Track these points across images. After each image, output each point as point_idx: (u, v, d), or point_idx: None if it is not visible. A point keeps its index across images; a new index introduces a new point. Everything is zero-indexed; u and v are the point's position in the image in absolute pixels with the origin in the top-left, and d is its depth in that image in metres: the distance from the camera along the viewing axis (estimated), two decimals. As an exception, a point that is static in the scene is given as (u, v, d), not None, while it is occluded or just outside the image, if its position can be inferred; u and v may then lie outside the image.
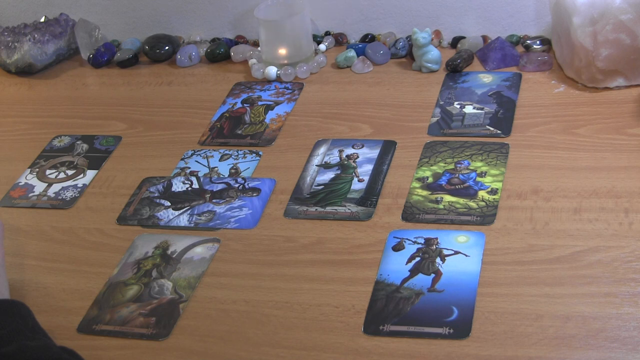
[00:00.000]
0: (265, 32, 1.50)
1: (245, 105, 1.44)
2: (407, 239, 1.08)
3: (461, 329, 0.94)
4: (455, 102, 1.35)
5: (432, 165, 1.21)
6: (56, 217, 1.23)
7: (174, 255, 1.11)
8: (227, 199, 1.21)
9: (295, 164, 1.26)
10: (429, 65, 1.44)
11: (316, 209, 1.16)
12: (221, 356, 0.96)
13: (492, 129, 1.28)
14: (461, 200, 1.14)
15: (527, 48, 1.47)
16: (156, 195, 1.24)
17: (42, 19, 1.67)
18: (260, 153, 1.30)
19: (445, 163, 1.21)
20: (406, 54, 1.51)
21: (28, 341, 0.89)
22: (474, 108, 1.33)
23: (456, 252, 1.05)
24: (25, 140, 1.43)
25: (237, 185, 1.23)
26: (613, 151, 1.19)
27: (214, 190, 1.23)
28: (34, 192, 1.28)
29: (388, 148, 1.27)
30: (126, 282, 1.08)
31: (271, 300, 1.02)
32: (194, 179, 1.26)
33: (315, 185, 1.21)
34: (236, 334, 0.98)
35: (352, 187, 1.19)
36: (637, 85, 1.33)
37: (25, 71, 1.61)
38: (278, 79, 1.49)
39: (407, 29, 1.55)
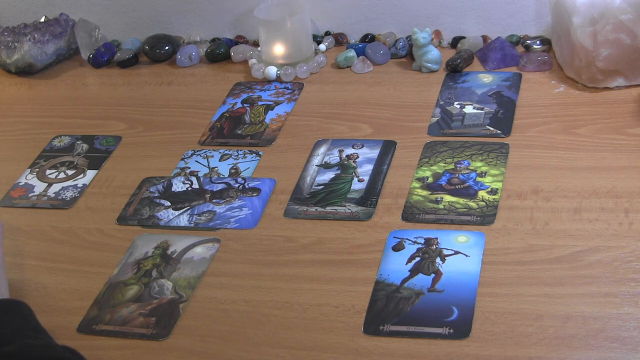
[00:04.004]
0: (265, 32, 1.50)
1: (245, 105, 1.44)
2: (407, 239, 1.08)
3: (461, 329, 0.94)
4: (455, 102, 1.35)
5: (432, 165, 1.21)
6: (56, 217, 1.23)
7: (174, 255, 1.11)
8: (227, 199, 1.21)
9: (295, 164, 1.26)
10: (429, 65, 1.44)
11: (316, 209, 1.16)
12: (221, 356, 0.96)
13: (492, 129, 1.28)
14: (461, 200, 1.14)
15: (527, 48, 1.47)
16: (156, 195, 1.24)
17: (42, 19, 1.67)
18: (260, 153, 1.30)
19: (445, 163, 1.21)
20: (406, 54, 1.51)
21: (30, 340, 0.89)
22: (474, 108, 1.33)
23: (456, 252, 1.05)
24: (25, 140, 1.43)
25: (237, 185, 1.23)
26: (613, 151, 1.19)
27: (214, 190, 1.23)
28: (34, 192, 1.28)
29: (388, 148, 1.27)
30: (126, 282, 1.08)
31: (271, 300, 1.02)
32: (194, 179, 1.26)
33: (315, 185, 1.21)
34: (236, 334, 0.98)
35: (352, 187, 1.19)
36: (637, 85, 1.33)
37: (25, 71, 1.61)
38: (278, 79, 1.49)
39: (407, 29, 1.55)
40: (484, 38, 1.51)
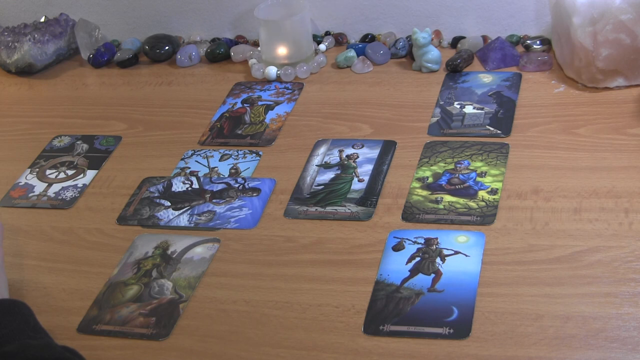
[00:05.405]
0: (265, 32, 1.50)
1: (245, 105, 1.44)
2: (407, 239, 1.08)
3: (461, 329, 0.94)
4: (455, 102, 1.35)
5: (432, 165, 1.21)
6: (56, 217, 1.23)
7: (174, 255, 1.11)
8: (227, 199, 1.21)
9: (295, 164, 1.26)
10: (429, 65, 1.44)
11: (316, 209, 1.16)
12: (221, 356, 0.96)
13: (492, 129, 1.28)
14: (461, 200, 1.14)
15: (527, 48, 1.47)
16: (156, 195, 1.24)
17: (42, 19, 1.67)
18: (260, 153, 1.30)
19: (445, 163, 1.21)
20: (406, 54, 1.51)
21: (30, 340, 0.89)
22: (474, 108, 1.33)
23: (456, 252, 1.05)
24: (25, 140, 1.43)
25: (237, 185, 1.23)
26: (613, 151, 1.19)
27: (214, 190, 1.23)
28: (34, 192, 1.28)
29: (388, 148, 1.27)
30: (126, 282, 1.08)
31: (271, 300, 1.02)
32: (194, 179, 1.26)
33: (315, 185, 1.21)
34: (236, 334, 0.98)
35: (352, 187, 1.19)
36: (637, 85, 1.33)
37: (25, 71, 1.61)
38: (278, 79, 1.49)
39: (407, 29, 1.55)
40: (484, 38, 1.51)
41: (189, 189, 1.24)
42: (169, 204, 1.22)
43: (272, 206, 1.18)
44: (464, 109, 1.33)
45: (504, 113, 1.31)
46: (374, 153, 1.26)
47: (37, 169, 1.33)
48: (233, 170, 1.27)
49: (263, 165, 1.28)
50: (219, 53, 1.58)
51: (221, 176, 1.26)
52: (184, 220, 1.18)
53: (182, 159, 1.31)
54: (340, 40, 1.58)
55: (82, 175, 1.31)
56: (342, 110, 1.38)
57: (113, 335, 1.00)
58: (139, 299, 1.05)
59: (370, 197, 1.17)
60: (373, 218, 1.13)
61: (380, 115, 1.35)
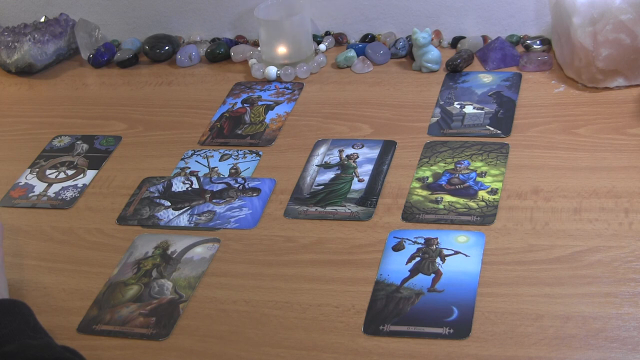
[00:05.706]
0: (265, 32, 1.50)
1: (245, 105, 1.44)
2: (407, 239, 1.08)
3: (461, 329, 0.94)
4: (455, 102, 1.35)
5: (432, 165, 1.21)
6: (56, 217, 1.23)
7: (174, 255, 1.11)
8: (227, 199, 1.21)
9: (295, 164, 1.26)
10: (429, 65, 1.44)
11: (316, 209, 1.16)
12: (221, 356, 0.96)
13: (492, 129, 1.28)
14: (461, 200, 1.14)
15: (527, 48, 1.47)
16: (156, 195, 1.24)
17: (42, 19, 1.67)
18: (260, 153, 1.30)
19: (445, 163, 1.21)
20: (406, 54, 1.51)
21: (30, 340, 0.89)
22: (474, 108, 1.33)
23: (456, 252, 1.05)
24: (25, 140, 1.43)
25: (237, 185, 1.23)
26: (613, 151, 1.19)
27: (214, 190, 1.23)
28: (34, 192, 1.28)
29: (388, 148, 1.27)
30: (126, 282, 1.08)
31: (271, 300, 1.02)
32: (194, 179, 1.26)
33: (315, 185, 1.21)
34: (236, 334, 0.98)
35: (352, 187, 1.19)
36: (637, 85, 1.33)
37: (25, 71, 1.61)
38: (278, 79, 1.49)
39: (407, 29, 1.55)
40: (484, 38, 1.51)
41: (189, 189, 1.24)
42: (169, 204, 1.22)
43: (272, 206, 1.18)
44: (464, 109, 1.33)
45: (504, 113, 1.31)
46: (374, 153, 1.26)
47: (37, 169, 1.33)
48: (233, 170, 1.27)
49: (263, 165, 1.28)
50: (219, 53, 1.58)
51: (221, 176, 1.26)
52: (184, 220, 1.18)
53: (182, 159, 1.31)
54: (340, 40, 1.58)
55: (82, 175, 1.31)
56: (342, 110, 1.38)
57: (113, 335, 1.00)
58: (139, 299, 1.05)
59: (370, 197, 1.17)
60: (373, 218, 1.13)
61: (380, 115, 1.35)
